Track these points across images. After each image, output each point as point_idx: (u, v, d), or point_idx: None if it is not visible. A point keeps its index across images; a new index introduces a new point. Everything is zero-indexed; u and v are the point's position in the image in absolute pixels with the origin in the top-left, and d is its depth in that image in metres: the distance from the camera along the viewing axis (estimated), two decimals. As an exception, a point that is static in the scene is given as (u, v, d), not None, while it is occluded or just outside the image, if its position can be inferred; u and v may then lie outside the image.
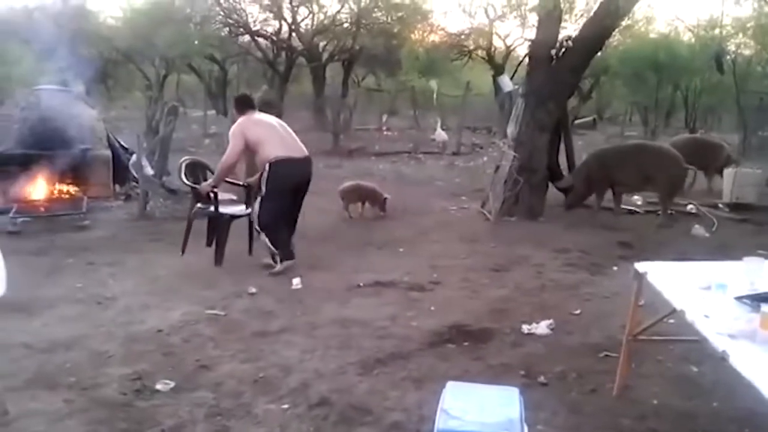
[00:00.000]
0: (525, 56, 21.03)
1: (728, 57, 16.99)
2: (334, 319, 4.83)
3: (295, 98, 23.60)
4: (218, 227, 6.28)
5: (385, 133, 20.85)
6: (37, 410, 3.40)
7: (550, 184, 8.99)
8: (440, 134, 16.70)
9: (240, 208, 6.48)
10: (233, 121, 6.31)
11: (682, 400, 3.61)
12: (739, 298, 2.76)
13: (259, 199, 5.95)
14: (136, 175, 8.87)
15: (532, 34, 11.50)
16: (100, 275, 5.89)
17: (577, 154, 9.74)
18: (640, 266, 3.35)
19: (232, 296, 5.30)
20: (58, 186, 8.57)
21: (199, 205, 6.44)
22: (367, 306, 5.14)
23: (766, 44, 18.24)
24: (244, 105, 6.21)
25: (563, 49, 8.44)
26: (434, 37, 25.90)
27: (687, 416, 3.45)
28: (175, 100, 11.73)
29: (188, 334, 4.50)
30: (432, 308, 5.11)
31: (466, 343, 4.40)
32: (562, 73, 8.57)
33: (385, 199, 8.53)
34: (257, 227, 6.00)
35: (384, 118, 22.58)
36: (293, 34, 22.95)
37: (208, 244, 6.31)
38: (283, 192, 5.91)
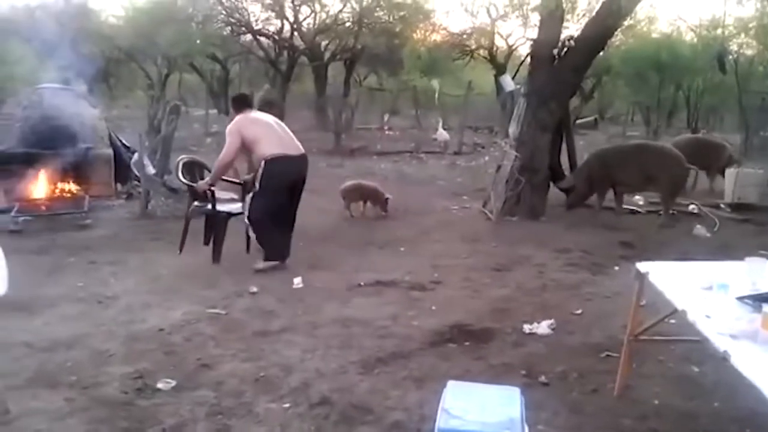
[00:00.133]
0: (527, 56, 20.98)
1: (730, 57, 17.02)
2: (335, 318, 4.83)
3: (297, 97, 23.64)
4: (215, 225, 6.29)
5: (386, 132, 20.86)
6: (38, 409, 3.40)
7: (551, 184, 8.99)
8: (442, 134, 16.70)
9: (237, 206, 6.48)
10: (232, 120, 6.32)
11: (684, 401, 3.61)
12: (740, 299, 2.75)
13: (251, 194, 5.96)
14: (137, 174, 8.87)
15: (534, 33, 11.50)
16: (101, 274, 5.89)
17: (578, 154, 9.72)
18: (642, 266, 3.34)
19: (233, 295, 5.30)
20: (59, 185, 8.57)
21: (196, 203, 6.46)
22: (368, 305, 5.14)
23: (769, 44, 18.25)
24: (242, 103, 6.24)
25: (565, 49, 8.43)
26: (436, 37, 25.92)
27: (688, 416, 3.44)
28: (176, 99, 11.75)
29: (189, 333, 4.50)
30: (433, 308, 5.10)
31: (467, 343, 4.40)
32: (564, 72, 8.55)
33: (387, 198, 8.53)
34: (246, 221, 6.01)
35: (386, 117, 22.59)
36: (295, 34, 22.97)
37: (206, 243, 6.31)
38: (277, 190, 5.92)
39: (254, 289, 5.43)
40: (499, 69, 24.11)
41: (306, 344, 4.33)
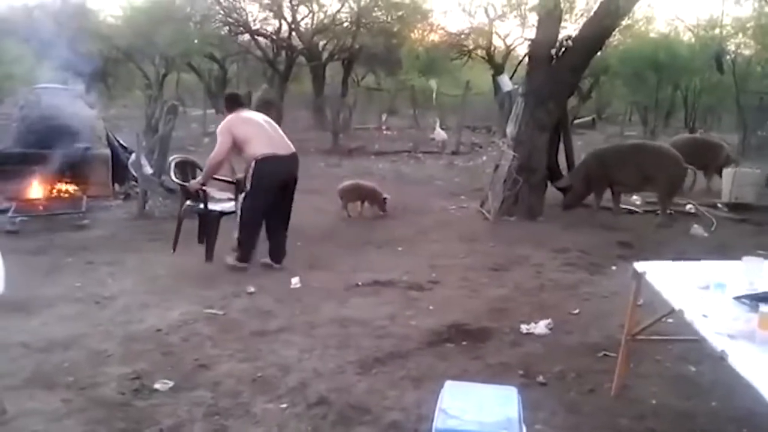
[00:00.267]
0: (525, 56, 21.04)
1: (728, 57, 17.02)
2: (333, 318, 4.83)
3: (295, 97, 23.62)
4: (208, 224, 6.30)
5: (384, 132, 20.85)
6: (36, 409, 3.40)
7: (549, 184, 8.99)
8: (440, 133, 16.69)
9: (229, 205, 6.48)
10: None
11: (681, 400, 3.61)
12: (737, 298, 2.75)
13: (243, 195, 5.97)
14: (135, 174, 8.86)
15: (532, 33, 11.48)
16: (98, 274, 5.89)
17: (576, 154, 9.74)
18: (639, 266, 3.34)
19: (230, 295, 5.30)
20: (57, 185, 8.56)
21: (188, 202, 6.47)
22: (365, 305, 5.14)
23: (766, 44, 18.24)
24: (234, 103, 6.25)
25: (563, 49, 8.44)
26: (434, 37, 25.90)
27: (685, 416, 3.45)
28: (174, 99, 11.73)
29: (187, 333, 4.50)
30: (431, 307, 5.10)
31: (464, 343, 4.40)
32: (561, 72, 8.56)
33: (385, 198, 8.52)
34: (238, 221, 6.01)
35: (383, 117, 22.58)
36: (293, 33, 22.94)
37: (200, 242, 6.31)
38: (268, 189, 5.92)
39: (252, 289, 5.43)
40: (497, 69, 24.08)
41: (303, 344, 4.33)
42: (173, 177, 6.42)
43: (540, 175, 8.65)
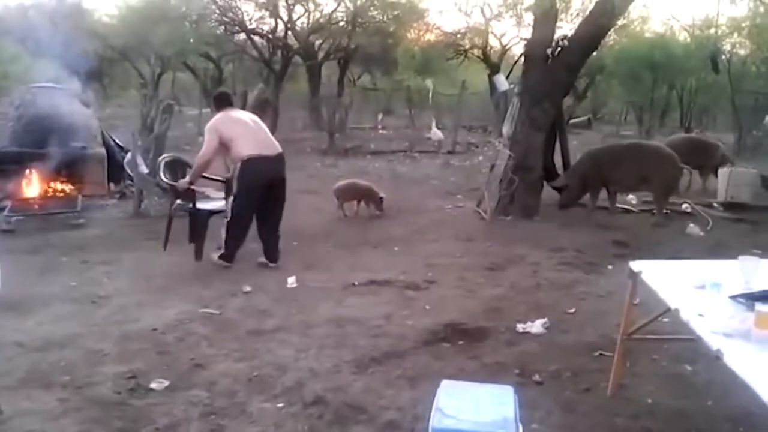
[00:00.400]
0: (521, 55, 21.02)
1: (723, 57, 17.07)
2: (329, 317, 4.82)
3: (290, 97, 23.60)
4: (196, 223, 6.30)
5: (380, 131, 20.87)
6: (32, 409, 3.39)
7: (545, 184, 9.00)
8: (436, 133, 16.70)
9: (219, 204, 6.48)
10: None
11: (677, 399, 3.62)
12: (733, 297, 2.76)
13: (232, 196, 5.98)
14: (130, 173, 8.85)
15: (527, 33, 11.53)
16: (94, 274, 5.88)
17: (572, 154, 9.75)
18: (635, 265, 3.35)
19: (226, 295, 5.29)
20: (52, 184, 8.55)
21: (178, 201, 6.46)
22: (362, 305, 5.14)
23: (761, 44, 18.28)
24: (222, 102, 6.27)
25: (559, 49, 8.43)
26: (430, 36, 25.98)
27: (681, 415, 3.45)
28: (170, 99, 11.70)
29: (183, 332, 4.49)
30: (427, 307, 5.10)
31: (461, 342, 4.40)
32: (557, 72, 8.57)
33: (381, 198, 8.52)
34: (225, 220, 6.01)
35: (379, 116, 22.61)
36: (289, 33, 22.94)
37: (191, 241, 6.30)
38: (254, 190, 5.91)
39: (248, 289, 5.42)
40: (493, 68, 24.12)
41: (300, 344, 4.33)
42: (162, 177, 6.43)
43: (536, 174, 8.66)
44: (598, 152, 9.18)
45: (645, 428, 3.32)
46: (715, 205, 9.47)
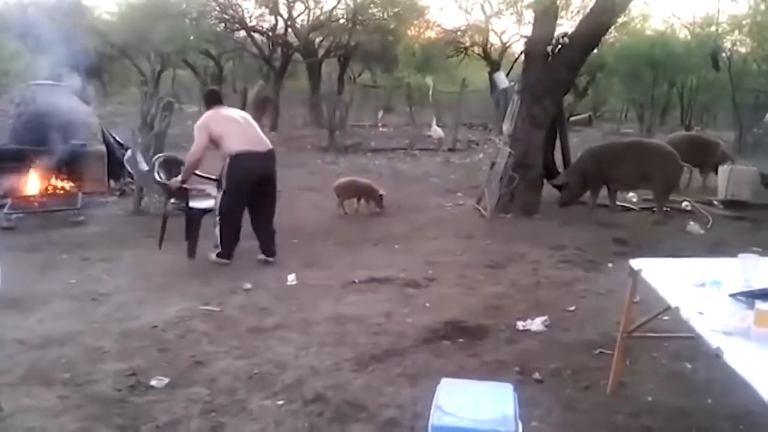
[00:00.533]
0: (521, 53, 20.98)
1: (724, 54, 17.04)
2: (330, 315, 4.83)
3: (290, 94, 23.58)
4: (189, 222, 6.31)
5: (380, 129, 20.85)
6: (32, 406, 3.40)
7: (545, 181, 8.99)
8: (436, 131, 16.68)
9: (210, 202, 6.48)
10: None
11: (677, 397, 3.62)
12: (733, 295, 2.76)
13: (221, 192, 6.00)
14: (130, 170, 8.85)
15: (528, 30, 11.50)
16: (94, 271, 5.88)
17: (572, 151, 9.74)
18: (635, 263, 3.34)
19: (227, 292, 5.29)
20: (52, 181, 8.55)
21: (172, 200, 6.47)
22: (362, 302, 5.14)
23: (762, 41, 18.26)
24: (212, 99, 6.32)
25: (559, 46, 8.43)
26: (430, 34, 25.92)
27: (681, 413, 3.45)
28: (170, 96, 11.69)
29: (183, 330, 4.50)
30: (427, 305, 5.11)
31: (461, 340, 4.41)
32: (558, 69, 8.55)
33: (381, 195, 8.52)
34: (217, 216, 6.03)
35: (380, 114, 22.58)
36: (289, 30, 22.90)
37: (187, 239, 6.31)
38: (242, 185, 5.94)
39: (248, 286, 5.42)
40: (494, 66, 24.12)
41: (300, 341, 4.33)
42: (157, 176, 6.45)
43: (536, 172, 8.65)
44: (598, 150, 9.17)
45: (645, 426, 3.33)
46: (716, 203, 9.46)
